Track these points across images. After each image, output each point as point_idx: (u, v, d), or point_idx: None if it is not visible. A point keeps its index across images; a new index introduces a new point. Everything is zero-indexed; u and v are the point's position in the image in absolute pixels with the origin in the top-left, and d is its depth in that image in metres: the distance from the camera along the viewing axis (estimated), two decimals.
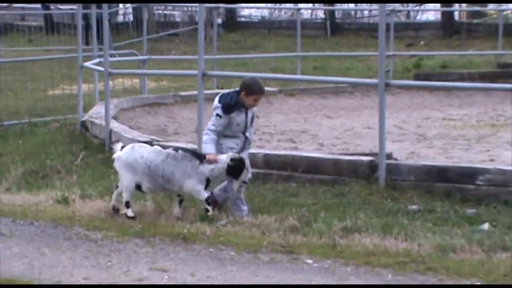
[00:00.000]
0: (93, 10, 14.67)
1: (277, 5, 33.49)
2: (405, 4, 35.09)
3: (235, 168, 7.93)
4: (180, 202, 8.02)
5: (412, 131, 13.31)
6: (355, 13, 38.20)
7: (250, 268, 6.47)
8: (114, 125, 11.83)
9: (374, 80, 9.25)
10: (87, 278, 6.20)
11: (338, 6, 33.86)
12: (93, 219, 7.90)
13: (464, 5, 34.69)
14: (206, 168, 7.89)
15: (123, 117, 13.73)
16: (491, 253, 6.57)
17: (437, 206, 8.05)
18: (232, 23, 33.68)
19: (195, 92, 11.04)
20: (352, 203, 8.27)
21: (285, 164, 9.37)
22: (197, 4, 11.58)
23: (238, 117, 8.18)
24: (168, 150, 8.06)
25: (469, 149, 11.33)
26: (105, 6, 12.58)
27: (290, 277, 6.24)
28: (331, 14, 32.66)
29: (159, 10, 33.26)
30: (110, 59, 13.17)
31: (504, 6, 26.37)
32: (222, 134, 8.17)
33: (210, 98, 15.84)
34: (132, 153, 7.98)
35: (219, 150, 8.09)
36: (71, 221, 7.86)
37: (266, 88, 17.88)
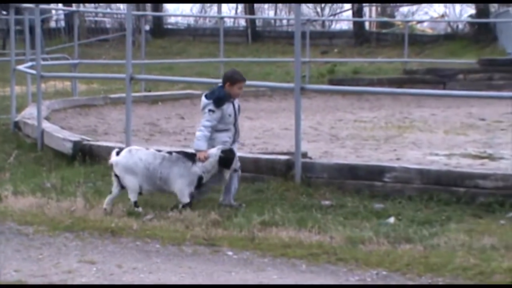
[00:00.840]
0: (26, 16, 14.40)
1: (202, 13, 33.41)
2: (320, 14, 35.43)
3: (226, 159, 7.99)
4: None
5: (326, 132, 13.44)
6: (275, 22, 38.38)
7: (174, 260, 6.45)
8: (46, 125, 11.64)
9: (291, 85, 9.31)
10: (18, 271, 6.09)
11: (259, 15, 33.93)
12: (25, 214, 7.76)
13: (374, 15, 35.18)
14: (198, 167, 7.92)
15: (55, 118, 13.51)
16: (396, 245, 6.67)
17: (348, 202, 8.14)
18: (159, 30, 33.46)
19: (124, 95, 10.93)
20: (270, 199, 8.30)
21: None
22: (126, 12, 11.45)
23: (229, 109, 8.20)
24: (162, 153, 8.03)
25: (378, 149, 11.49)
26: (37, 12, 12.37)
27: (211, 268, 6.24)
28: (252, 22, 32.76)
29: (90, 17, 32.86)
30: (43, 62, 12.96)
31: (409, 17, 26.83)
32: (215, 129, 8.13)
33: (138, 101, 15.82)
34: (131, 156, 7.93)
35: (212, 145, 8.07)
36: (3, 216, 7.70)
37: (191, 92, 17.94)
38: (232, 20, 38.56)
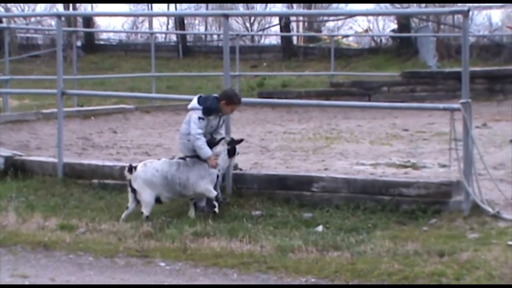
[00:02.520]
0: None
1: (133, 29, 33.21)
2: (249, 29, 35.57)
3: (233, 148, 8.24)
4: (195, 204, 8.14)
5: (256, 144, 13.48)
6: (205, 37, 38.39)
7: (107, 272, 6.37)
8: None
9: None
10: None
11: (189, 30, 33.89)
12: None
13: (301, 30, 35.49)
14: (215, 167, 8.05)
15: None
16: (324, 252, 6.72)
17: (278, 211, 8.17)
18: (91, 46, 33.14)
19: (56, 110, 10.78)
20: (202, 211, 8.26)
21: None
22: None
23: (214, 120, 8.24)
24: (176, 160, 8.12)
25: (307, 160, 11.57)
26: None
27: (144, 279, 6.19)
28: (183, 37, 32.71)
29: (21, 33, 32.32)
30: None
31: (335, 32, 27.17)
32: (188, 131, 8.15)
33: (70, 115, 15.63)
34: (147, 169, 7.97)
35: (185, 146, 8.19)
36: None
37: (123, 106, 17.79)
38: (163, 35, 38.44)
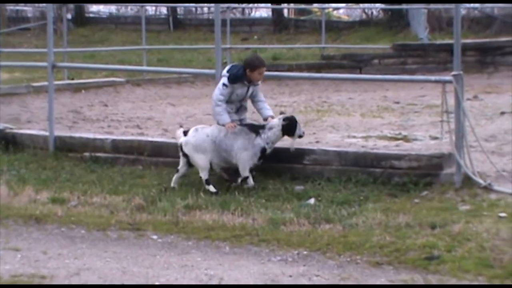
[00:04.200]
0: None
1: (124, 2, 32.96)
2: (240, 2, 35.35)
3: (289, 126, 8.14)
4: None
5: (247, 117, 13.42)
6: (196, 10, 38.15)
7: (99, 245, 6.37)
8: None
9: (212, 71, 9.26)
10: None
11: (180, 3, 33.65)
12: None
13: (292, 3, 35.29)
14: (262, 139, 8.02)
15: None
16: (316, 225, 6.74)
17: (270, 184, 8.18)
18: (81, 19, 32.87)
19: (47, 83, 10.71)
20: (194, 183, 8.26)
21: (132, 149, 9.30)
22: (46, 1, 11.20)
23: (240, 89, 8.21)
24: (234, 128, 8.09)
25: None
26: None
27: (136, 252, 6.19)
28: (173, 10, 32.49)
29: (11, 6, 32.05)
30: None
31: (326, 4, 27.05)
32: None
33: (61, 89, 15.54)
34: (198, 135, 8.00)
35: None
36: None
37: (114, 79, 17.71)
38: (153, 8, 38.18)
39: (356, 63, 20.68)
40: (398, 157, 8.10)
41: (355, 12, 35.58)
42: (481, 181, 7.62)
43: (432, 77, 8.68)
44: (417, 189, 7.75)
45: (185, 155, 8.04)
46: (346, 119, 12.94)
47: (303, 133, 8.41)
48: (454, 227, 6.40)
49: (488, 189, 7.51)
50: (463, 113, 7.70)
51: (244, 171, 8.02)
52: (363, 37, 26.57)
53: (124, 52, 22.91)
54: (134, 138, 9.89)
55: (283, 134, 8.20)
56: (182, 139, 8.05)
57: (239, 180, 8.07)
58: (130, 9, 38.12)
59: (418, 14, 24.28)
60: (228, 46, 20.35)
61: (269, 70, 8.82)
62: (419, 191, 7.71)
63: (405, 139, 10.53)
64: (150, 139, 9.67)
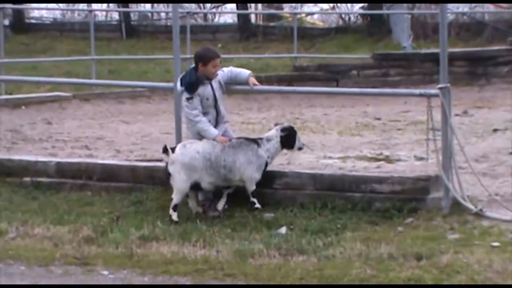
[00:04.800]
0: None
1: (70, 6, 32.88)
2: (201, 6, 35.49)
3: (289, 137, 8.24)
4: (228, 195, 8.19)
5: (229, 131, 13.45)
6: (152, 15, 38.20)
7: (42, 282, 6.32)
8: None
9: (170, 84, 9.28)
10: None
11: (134, 7, 33.66)
12: None
13: (260, 7, 35.49)
14: (264, 151, 8.10)
15: None
16: (288, 257, 6.75)
17: (236, 211, 8.18)
18: (21, 25, 32.71)
19: None
20: (150, 211, 8.27)
21: (79, 172, 9.27)
22: None
23: (205, 92, 8.20)
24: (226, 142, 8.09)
25: None
26: None
27: None
28: (126, 16, 32.48)
29: None
30: None
31: (298, 9, 27.19)
32: None
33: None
34: (187, 151, 7.95)
35: (192, 133, 8.19)
36: None
37: (59, 94, 17.60)
38: (103, 13, 38.16)
39: (332, 74, 20.80)
40: (380, 180, 8.15)
41: (331, 17, 35.85)
42: (471, 206, 7.69)
43: (417, 91, 8.76)
44: (400, 216, 7.79)
45: (168, 174, 8.03)
46: (322, 137, 12.99)
47: (303, 145, 8.58)
48: (442, 258, 6.45)
49: (479, 215, 7.58)
50: (451, 130, 7.78)
51: (252, 185, 8.11)
52: (340, 46, 26.75)
53: (70, 63, 22.82)
54: (82, 160, 9.85)
55: (282, 147, 8.29)
56: (169, 157, 8.02)
57: (251, 197, 8.12)
58: (77, 15, 38.05)
59: (401, 20, 24.52)
60: (188, 55, 20.36)
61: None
62: (403, 218, 7.75)
63: (388, 159, 10.60)
64: (100, 161, 9.65)
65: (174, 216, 7.92)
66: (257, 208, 8.17)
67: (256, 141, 8.23)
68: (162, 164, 9.05)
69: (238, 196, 8.44)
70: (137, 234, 7.35)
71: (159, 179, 8.86)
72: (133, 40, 30.58)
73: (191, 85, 8.16)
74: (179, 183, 7.97)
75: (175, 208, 7.96)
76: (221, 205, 8.24)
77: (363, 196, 8.13)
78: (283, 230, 7.54)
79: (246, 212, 8.16)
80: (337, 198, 8.18)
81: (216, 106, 8.34)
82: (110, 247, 7.08)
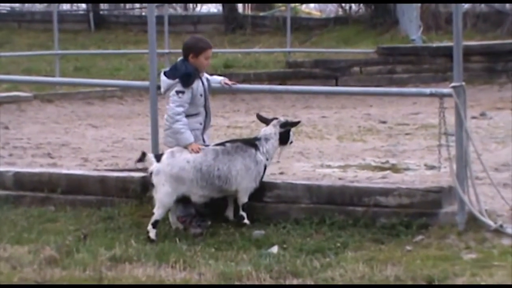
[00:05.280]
0: None
1: None
2: None
3: (287, 133, 8.33)
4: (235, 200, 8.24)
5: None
6: (124, 4, 38.20)
7: None
8: None
9: (146, 83, 9.27)
10: None
11: None
12: None
13: None
14: (262, 154, 8.14)
15: None
16: (280, 280, 6.74)
17: (221, 228, 8.18)
18: None
19: None
20: (122, 228, 8.26)
21: (41, 184, 9.24)
22: None
23: (199, 87, 8.21)
24: (213, 147, 8.10)
25: None
26: None
27: None
28: (95, 5, 32.48)
29: None
30: None
31: None
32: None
33: None
34: (175, 161, 7.92)
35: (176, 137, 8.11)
36: None
37: (17, 93, 17.59)
38: (69, 2, 38.13)
39: (331, 71, 20.86)
40: (385, 192, 8.16)
41: (329, 6, 35.88)
42: (490, 222, 7.70)
43: (427, 90, 8.76)
44: (409, 233, 7.80)
45: (153, 185, 8.02)
46: (319, 143, 13.02)
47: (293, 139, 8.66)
48: (456, 282, 6.46)
49: (499, 232, 7.59)
50: (466, 135, 7.79)
51: (245, 197, 8.15)
52: (340, 39, 26.82)
53: (30, 59, 22.82)
54: (44, 170, 9.83)
55: (280, 143, 8.40)
56: (153, 166, 7.98)
57: (241, 210, 8.17)
58: (38, 4, 38.00)
59: (409, 9, 24.58)
60: (166, 50, 20.40)
61: None
62: (412, 235, 7.76)
63: (394, 169, 10.63)
64: (65, 171, 9.63)
65: (152, 234, 7.91)
66: (245, 224, 8.18)
67: (253, 144, 8.24)
68: (136, 174, 9.07)
69: (221, 211, 8.44)
70: (107, 255, 7.33)
71: (133, 191, 8.85)
72: (102, 33, 30.58)
73: (188, 76, 8.13)
74: (163, 196, 7.96)
75: (155, 224, 7.94)
76: (231, 213, 8.31)
77: (366, 211, 8.13)
78: (274, 249, 7.54)
79: (233, 229, 8.15)
80: (337, 212, 8.18)
81: (205, 106, 8.36)
82: (76, 269, 7.06)
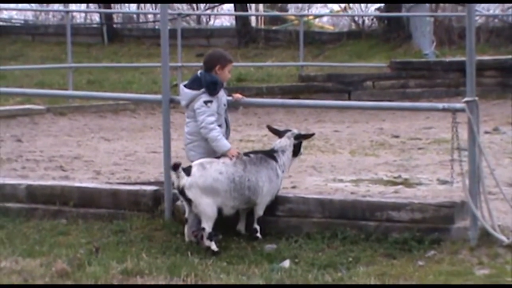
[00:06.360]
0: None
1: (44, 7, 32.92)
2: (195, 7, 35.54)
3: (299, 145, 8.41)
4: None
5: None
6: (138, 17, 38.30)
7: None
8: None
9: (158, 96, 9.30)
10: None
11: (117, 8, 33.78)
12: None
13: (261, 9, 35.57)
14: (280, 166, 8.20)
15: None
16: None
17: (233, 242, 8.18)
18: None
19: None
20: (134, 241, 8.27)
21: (53, 197, 9.26)
22: None
23: (223, 97, 8.28)
24: (240, 157, 8.09)
25: None
26: None
27: None
28: (108, 18, 32.56)
29: None
30: None
31: (305, 11, 27.24)
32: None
33: None
34: (207, 173, 7.89)
35: (200, 151, 8.18)
36: None
37: (30, 107, 17.63)
38: (82, 15, 38.26)
39: (344, 86, 20.85)
40: (397, 207, 8.15)
41: (342, 21, 35.93)
42: (503, 237, 7.68)
43: (440, 105, 8.77)
44: (421, 248, 7.79)
45: (188, 200, 7.98)
46: (331, 158, 13.00)
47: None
48: None
49: None
50: (479, 150, 7.78)
51: (262, 210, 8.21)
52: (353, 53, 26.80)
53: (44, 72, 22.87)
54: (56, 183, 9.85)
55: (293, 156, 8.47)
56: (184, 180, 7.93)
57: (255, 224, 8.22)
58: (52, 16, 38.14)
59: (423, 23, 24.56)
60: (179, 64, 20.43)
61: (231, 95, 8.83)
62: (424, 250, 7.75)
63: (406, 183, 10.61)
64: (77, 184, 9.64)
65: (214, 246, 7.89)
66: (257, 237, 8.17)
67: (272, 156, 8.28)
68: (148, 188, 9.09)
69: (234, 223, 8.45)
70: (119, 268, 7.34)
71: (145, 204, 8.86)
72: (116, 46, 30.63)
73: (215, 84, 8.16)
74: (206, 208, 7.91)
75: (210, 237, 7.91)
76: (242, 227, 8.33)
77: (379, 225, 8.14)
78: (286, 263, 7.54)
79: (244, 243, 8.15)
80: (349, 227, 8.19)
81: (226, 118, 8.39)
82: (88, 282, 7.07)
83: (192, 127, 8.30)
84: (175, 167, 7.95)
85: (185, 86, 8.31)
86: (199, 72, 8.38)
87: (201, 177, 7.93)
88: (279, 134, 8.52)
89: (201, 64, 8.50)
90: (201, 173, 7.95)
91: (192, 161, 8.18)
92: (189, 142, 8.32)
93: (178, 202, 8.49)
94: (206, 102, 8.14)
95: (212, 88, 8.16)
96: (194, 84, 8.25)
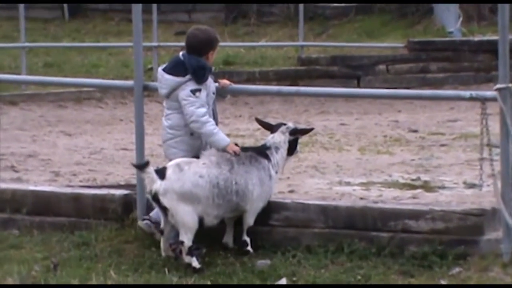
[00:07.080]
0: None
1: None
2: None
3: (295, 141, 8.42)
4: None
5: None
6: None
7: None
8: None
9: (129, 82, 9.30)
10: None
11: None
12: None
13: None
14: (272, 165, 8.20)
15: None
16: None
17: (218, 257, 8.18)
18: None
19: None
20: (100, 256, 8.28)
21: (3, 203, 9.26)
22: None
23: (211, 84, 8.29)
24: (226, 155, 8.06)
25: None
26: None
27: None
28: None
29: None
30: None
31: None
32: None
33: None
34: (185, 176, 7.84)
35: (191, 145, 8.19)
36: None
37: None
38: None
39: (351, 70, 20.86)
40: (416, 215, 8.17)
41: None
42: None
43: (467, 93, 8.77)
44: (444, 265, 7.81)
45: (164, 208, 7.94)
46: (337, 156, 13.02)
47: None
48: None
49: None
50: None
51: (252, 219, 8.19)
52: (363, 31, 26.82)
53: None
54: (6, 186, 9.83)
55: (288, 154, 8.48)
56: (158, 184, 7.89)
57: (244, 235, 8.22)
58: None
59: None
60: (155, 43, 20.41)
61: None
62: (448, 267, 7.77)
63: (427, 187, 10.64)
64: (31, 188, 9.64)
65: (195, 263, 7.87)
66: (248, 252, 8.18)
67: (264, 154, 8.27)
68: (117, 192, 9.09)
69: (220, 234, 8.46)
70: None
71: (113, 212, 8.86)
72: (78, 22, 30.61)
73: (202, 70, 8.14)
74: (184, 217, 7.88)
75: (191, 252, 7.87)
76: (230, 239, 8.32)
77: (393, 237, 8.15)
78: (282, 282, 7.55)
79: (232, 258, 8.16)
80: (357, 239, 8.20)
81: (214, 109, 8.41)
82: None
83: (175, 120, 8.25)
84: (142, 166, 7.93)
85: (164, 70, 8.25)
86: (180, 53, 8.34)
87: (178, 181, 7.90)
88: (272, 128, 8.50)
89: (181, 44, 8.50)
90: (177, 176, 7.91)
91: (170, 160, 8.15)
92: (170, 137, 8.27)
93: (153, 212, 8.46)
94: (194, 91, 8.10)
95: (201, 74, 8.14)
96: (176, 69, 8.20)
